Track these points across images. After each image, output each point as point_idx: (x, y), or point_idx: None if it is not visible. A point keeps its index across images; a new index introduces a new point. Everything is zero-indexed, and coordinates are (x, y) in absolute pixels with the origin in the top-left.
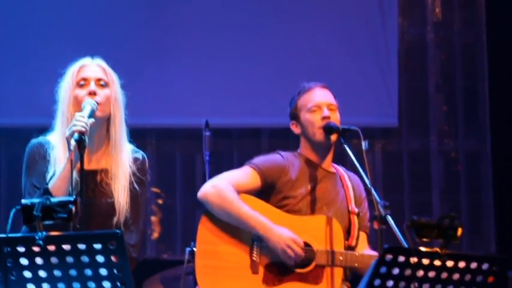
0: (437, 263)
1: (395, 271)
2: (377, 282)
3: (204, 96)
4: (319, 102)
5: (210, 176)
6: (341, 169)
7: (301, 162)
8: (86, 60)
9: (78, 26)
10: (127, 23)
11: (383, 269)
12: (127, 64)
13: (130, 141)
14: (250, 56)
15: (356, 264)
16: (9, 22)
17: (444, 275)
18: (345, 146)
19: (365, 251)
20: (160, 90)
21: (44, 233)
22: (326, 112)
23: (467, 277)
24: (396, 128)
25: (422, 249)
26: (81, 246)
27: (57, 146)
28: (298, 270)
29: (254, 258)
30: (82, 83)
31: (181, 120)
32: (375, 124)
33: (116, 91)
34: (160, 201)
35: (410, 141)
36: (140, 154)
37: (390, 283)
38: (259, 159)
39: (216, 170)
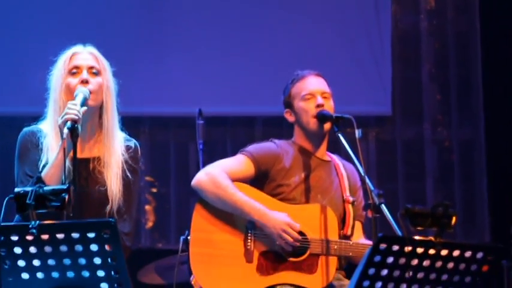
0: (431, 251)
1: (390, 260)
2: (371, 271)
3: (197, 85)
4: (313, 90)
5: (204, 165)
6: (336, 158)
7: (295, 150)
8: (78, 48)
9: (70, 13)
10: (120, 11)
11: (377, 258)
12: (120, 53)
13: (122, 130)
14: (244, 44)
15: (350, 253)
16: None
17: (439, 263)
18: (339, 134)
19: (360, 240)
20: (153, 79)
21: (38, 221)
22: (320, 100)
23: (462, 266)
24: (390, 116)
25: (417, 238)
26: (75, 235)
27: (49, 134)
28: (293, 259)
29: (248, 247)
30: (74, 71)
31: (175, 108)
32: (369, 113)
33: (108, 79)
34: (154, 190)
35: (404, 130)
36: (133, 142)
37: (384, 272)
38: (252, 147)
39: (209, 159)
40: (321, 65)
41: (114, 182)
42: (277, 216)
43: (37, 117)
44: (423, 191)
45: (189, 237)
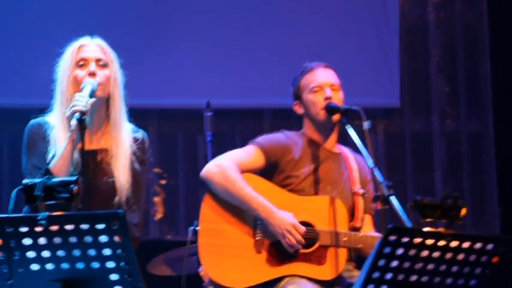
0: (441, 243)
1: (400, 251)
2: (381, 262)
3: (205, 77)
4: (322, 83)
5: (212, 157)
6: (347, 150)
7: (304, 142)
8: (85, 40)
9: (78, 5)
10: (127, 3)
11: (387, 250)
12: (128, 44)
13: (130, 121)
14: (252, 36)
15: (360, 245)
16: (7, 2)
17: (449, 255)
18: (347, 126)
19: (370, 233)
20: (162, 71)
21: (47, 213)
22: (328, 92)
23: (472, 257)
24: (398, 108)
25: (426, 229)
26: (84, 226)
27: (56, 126)
28: (302, 251)
29: (258, 238)
30: (81, 63)
31: (183, 100)
32: (377, 105)
33: (115, 71)
34: (163, 182)
35: (412, 122)
36: (140, 133)
37: (394, 263)
38: (263, 138)
39: (217, 151)
40: (329, 57)
41: (122, 173)
42: (284, 216)
43: (44, 109)
44: (432, 183)
45: (197, 228)
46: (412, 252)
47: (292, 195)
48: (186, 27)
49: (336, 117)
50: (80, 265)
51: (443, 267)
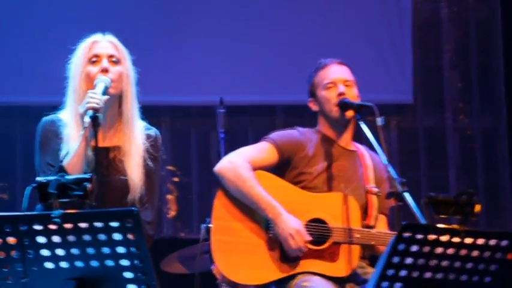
0: (456, 240)
1: (414, 248)
2: (395, 259)
3: (218, 74)
4: (335, 79)
5: (225, 154)
6: (362, 148)
7: (318, 138)
8: (97, 37)
9: (90, 2)
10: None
11: (401, 246)
12: (141, 42)
13: (143, 119)
14: (265, 33)
15: (373, 242)
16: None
17: (463, 251)
18: (360, 122)
19: (383, 230)
20: (174, 68)
21: (61, 211)
22: (341, 88)
23: (487, 254)
24: (411, 104)
25: (441, 226)
26: (98, 224)
27: (69, 123)
28: (314, 247)
29: (270, 235)
30: (94, 59)
31: (196, 97)
32: (390, 101)
33: (127, 68)
34: (175, 180)
35: (426, 118)
36: (153, 131)
37: (409, 260)
38: (276, 134)
39: (230, 148)
40: (342, 53)
41: (135, 171)
42: (291, 221)
43: (56, 107)
44: (446, 179)
45: (210, 225)
46: (426, 249)
47: (304, 192)
48: (199, 23)
49: (349, 113)
50: (94, 263)
51: (457, 264)
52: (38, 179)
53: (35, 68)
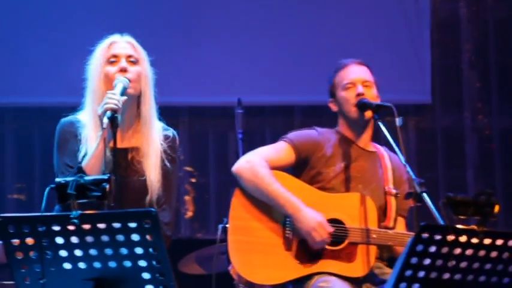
0: (474, 240)
1: (432, 249)
2: (414, 260)
3: (236, 74)
4: (354, 79)
5: (243, 154)
6: (382, 149)
7: (337, 139)
8: (116, 37)
9: (108, 3)
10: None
11: (419, 247)
12: (159, 43)
13: (161, 120)
14: (283, 33)
15: (390, 243)
16: (38, 1)
17: (482, 252)
18: (379, 122)
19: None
20: (192, 69)
21: (79, 211)
22: (360, 89)
23: (505, 255)
24: (429, 104)
25: (459, 226)
26: (116, 225)
27: (88, 124)
28: (331, 248)
29: (287, 235)
30: (112, 60)
31: (214, 98)
32: (408, 101)
33: (145, 68)
34: (193, 180)
35: (444, 118)
36: (171, 131)
37: (427, 261)
38: (294, 134)
39: (248, 148)
40: (360, 53)
41: (153, 172)
42: (311, 214)
43: (74, 108)
44: (464, 179)
45: (227, 225)
46: (445, 249)
47: (322, 192)
48: (217, 24)
49: (368, 113)
50: (112, 264)
51: (476, 265)
52: (57, 179)
53: (54, 69)
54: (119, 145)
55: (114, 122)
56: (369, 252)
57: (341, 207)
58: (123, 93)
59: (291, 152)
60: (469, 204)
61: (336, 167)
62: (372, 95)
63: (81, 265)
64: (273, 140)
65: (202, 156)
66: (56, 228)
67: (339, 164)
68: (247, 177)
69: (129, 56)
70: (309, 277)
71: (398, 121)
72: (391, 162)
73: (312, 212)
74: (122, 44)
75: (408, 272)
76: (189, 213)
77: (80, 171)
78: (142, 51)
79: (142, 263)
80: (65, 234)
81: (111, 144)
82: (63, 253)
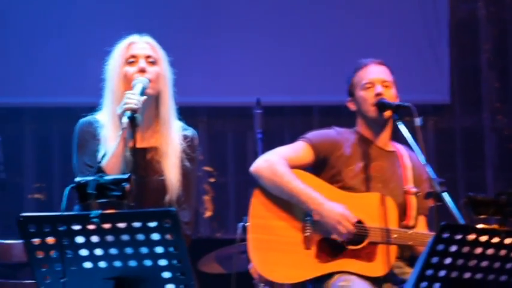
0: (495, 240)
1: (453, 248)
2: (434, 259)
3: (255, 74)
4: (373, 79)
5: (262, 154)
6: (402, 148)
7: (355, 138)
8: (134, 38)
9: (126, 3)
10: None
11: (440, 247)
12: (177, 43)
13: (180, 119)
14: (302, 33)
15: (410, 242)
16: (57, 2)
17: (503, 252)
18: (398, 122)
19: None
20: (211, 69)
21: (99, 211)
22: (379, 89)
23: None
24: (448, 105)
25: (480, 226)
26: (136, 224)
27: (107, 124)
28: (351, 247)
29: (307, 234)
30: (131, 60)
31: (233, 98)
32: (427, 101)
33: (164, 68)
34: (212, 180)
35: (463, 118)
36: (190, 131)
37: (448, 261)
38: (312, 134)
39: (267, 148)
40: (379, 53)
41: (172, 172)
42: (334, 207)
43: (94, 108)
44: (483, 180)
45: (247, 224)
46: (465, 249)
47: (341, 191)
48: (236, 24)
49: (387, 113)
50: (132, 263)
51: (497, 265)
52: (77, 179)
53: (73, 70)
54: (138, 145)
55: (133, 122)
56: (389, 251)
57: (361, 207)
58: (142, 93)
59: (309, 152)
60: (489, 204)
61: (355, 167)
62: (391, 95)
63: (102, 264)
64: (292, 140)
65: (221, 156)
66: (77, 227)
67: (358, 164)
68: (267, 176)
69: (148, 57)
70: (329, 276)
71: (418, 121)
72: (410, 161)
73: (334, 204)
74: (141, 44)
75: (429, 272)
76: (208, 213)
77: (100, 170)
78: (161, 51)
79: (163, 262)
80: (85, 233)
81: (131, 144)
82: (83, 252)
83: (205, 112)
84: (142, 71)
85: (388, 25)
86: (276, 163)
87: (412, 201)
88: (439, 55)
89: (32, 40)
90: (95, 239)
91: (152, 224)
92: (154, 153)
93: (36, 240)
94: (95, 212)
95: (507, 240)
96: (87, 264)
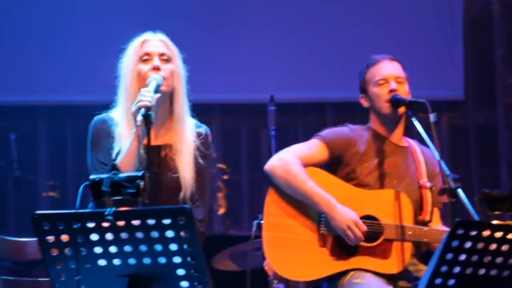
0: (510, 236)
1: (468, 245)
2: (449, 256)
3: (268, 71)
4: (386, 75)
5: (276, 151)
6: (414, 143)
7: (369, 135)
8: (148, 35)
9: (140, 1)
10: None
11: (455, 243)
12: (192, 40)
13: (193, 117)
14: (315, 30)
15: (425, 239)
16: (71, 1)
17: None
18: (413, 118)
19: (438, 227)
20: (224, 66)
21: (114, 208)
22: (393, 85)
23: None
24: (462, 101)
25: (495, 222)
26: (151, 222)
27: (121, 122)
28: (366, 244)
29: (322, 231)
30: (145, 58)
31: (246, 95)
32: (441, 97)
33: (178, 65)
34: (226, 177)
35: (477, 114)
36: (203, 128)
37: (463, 257)
38: (326, 132)
39: (281, 145)
40: (393, 50)
41: (186, 169)
42: (346, 212)
43: (107, 105)
44: (497, 175)
45: (261, 222)
46: (480, 245)
47: (356, 189)
48: (249, 22)
49: (401, 109)
50: (146, 260)
51: None
52: (92, 177)
53: (86, 67)
54: (152, 142)
55: (148, 120)
56: (404, 249)
57: (376, 204)
58: (156, 90)
59: (324, 150)
60: (504, 200)
61: (370, 164)
62: (404, 91)
63: (116, 261)
64: (306, 137)
65: (234, 154)
66: (91, 225)
67: (373, 161)
68: (281, 175)
69: (162, 54)
70: (344, 273)
71: (432, 117)
72: (423, 155)
73: (346, 210)
74: (155, 42)
75: (444, 268)
76: (222, 210)
77: (114, 168)
78: (175, 49)
79: (177, 259)
80: (100, 231)
81: (145, 141)
82: (98, 250)
83: (218, 109)
84: (156, 68)
85: (402, 21)
86: (290, 162)
87: (428, 196)
88: (453, 51)
89: (46, 38)
90: (109, 236)
91: (166, 221)
92: (168, 151)
93: (51, 238)
94: (109, 210)
95: None
96: (102, 262)
